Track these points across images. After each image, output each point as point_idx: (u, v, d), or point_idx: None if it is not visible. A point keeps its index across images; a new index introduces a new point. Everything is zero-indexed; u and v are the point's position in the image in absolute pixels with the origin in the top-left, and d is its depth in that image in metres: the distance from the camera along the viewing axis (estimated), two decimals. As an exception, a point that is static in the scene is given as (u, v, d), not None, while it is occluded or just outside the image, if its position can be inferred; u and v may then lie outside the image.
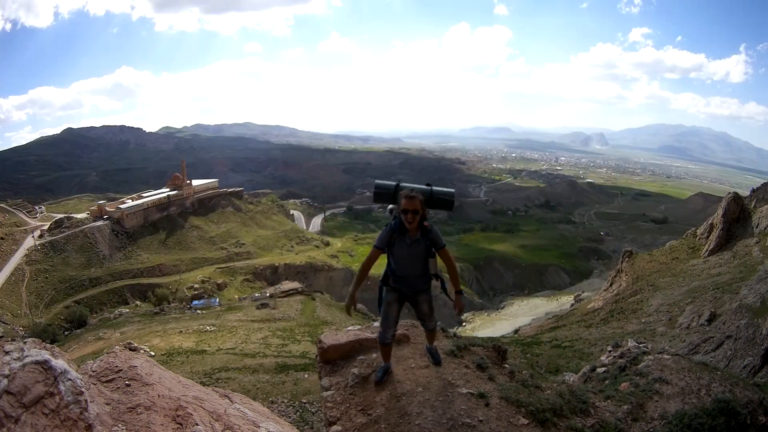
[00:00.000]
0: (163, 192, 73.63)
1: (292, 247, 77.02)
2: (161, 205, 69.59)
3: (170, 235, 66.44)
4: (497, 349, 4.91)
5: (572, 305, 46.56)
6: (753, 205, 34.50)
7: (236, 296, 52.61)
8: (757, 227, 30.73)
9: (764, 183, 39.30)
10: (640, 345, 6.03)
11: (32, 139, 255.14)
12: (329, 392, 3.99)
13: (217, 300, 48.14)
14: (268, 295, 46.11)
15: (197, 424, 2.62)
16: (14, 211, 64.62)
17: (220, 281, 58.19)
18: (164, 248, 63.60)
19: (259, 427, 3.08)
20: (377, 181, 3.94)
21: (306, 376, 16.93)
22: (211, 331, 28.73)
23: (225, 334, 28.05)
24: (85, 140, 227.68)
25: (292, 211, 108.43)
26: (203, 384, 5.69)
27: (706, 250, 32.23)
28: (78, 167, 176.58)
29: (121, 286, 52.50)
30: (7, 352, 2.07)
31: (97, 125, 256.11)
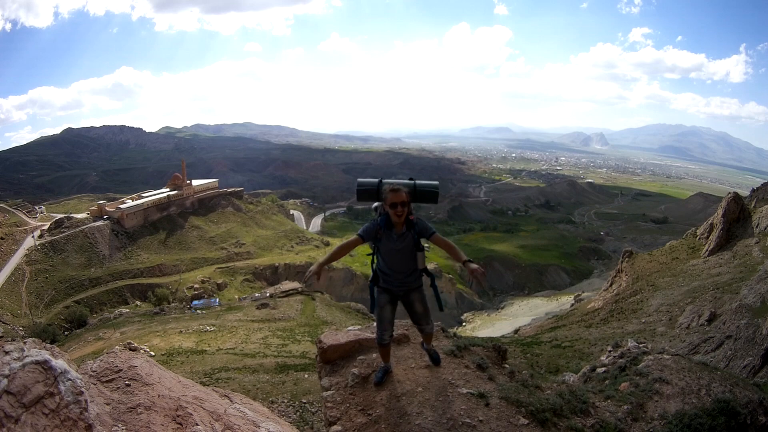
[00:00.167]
0: (163, 192, 73.64)
1: (292, 247, 77.00)
2: (161, 205, 69.59)
3: (170, 235, 66.44)
4: (497, 349, 4.91)
5: (572, 305, 46.56)
6: (753, 205, 34.51)
7: (236, 296, 52.60)
8: (757, 227, 30.74)
9: (764, 183, 39.32)
10: (640, 345, 6.03)
11: (32, 139, 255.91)
12: (329, 392, 3.99)
13: (217, 300, 48.13)
14: (268, 295, 46.11)
15: (197, 424, 2.62)
16: (14, 211, 64.61)
17: (220, 281, 58.17)
18: (164, 248, 63.60)
19: (259, 427, 3.08)
20: (359, 180, 3.92)
21: (306, 376, 16.94)
22: (211, 331, 28.74)
23: (225, 334, 28.05)
24: (85, 140, 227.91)
25: (292, 211, 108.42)
26: (203, 384, 5.68)
27: (706, 250, 32.24)
28: (78, 167, 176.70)
29: (121, 286, 52.51)
30: (7, 352, 2.07)
31: (97, 125, 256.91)
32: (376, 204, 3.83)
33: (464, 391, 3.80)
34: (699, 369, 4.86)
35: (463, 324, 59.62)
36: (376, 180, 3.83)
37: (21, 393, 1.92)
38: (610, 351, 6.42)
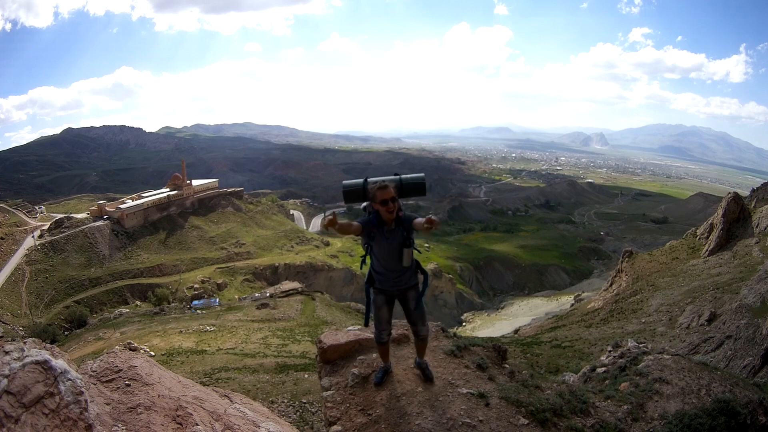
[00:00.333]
0: (163, 192, 73.62)
1: (292, 247, 76.98)
2: (161, 205, 69.57)
3: (170, 235, 66.42)
4: (497, 349, 4.91)
5: (572, 305, 46.56)
6: (753, 205, 34.51)
7: (236, 296, 52.59)
8: (757, 227, 30.74)
9: (764, 183, 39.31)
10: (640, 345, 6.04)
11: (32, 139, 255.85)
12: (329, 392, 3.99)
13: (217, 300, 48.12)
14: (268, 295, 46.12)
15: (197, 424, 2.62)
16: (14, 211, 64.60)
17: (220, 281, 58.16)
18: (164, 248, 63.58)
19: (259, 427, 3.08)
20: (344, 182, 3.86)
21: (306, 376, 16.93)
22: (211, 331, 28.72)
23: (225, 334, 28.03)
24: (85, 140, 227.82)
25: (292, 211, 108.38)
26: (203, 384, 5.69)
27: (706, 250, 32.24)
28: (78, 167, 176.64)
29: (121, 286, 52.49)
30: (7, 352, 2.07)
31: (97, 125, 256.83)
32: (364, 204, 3.79)
33: (464, 391, 3.80)
34: (699, 369, 4.86)
35: (463, 324, 59.63)
36: (361, 180, 3.78)
37: (21, 393, 1.92)
38: (610, 351, 6.42)
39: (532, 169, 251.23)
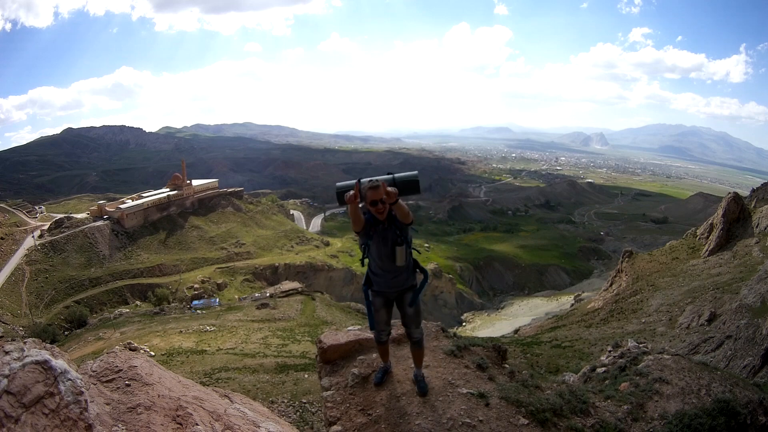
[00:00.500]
0: (163, 192, 73.62)
1: (292, 247, 76.99)
2: (161, 205, 69.57)
3: (170, 235, 66.43)
4: (497, 349, 4.91)
5: (572, 305, 46.57)
6: (753, 205, 34.50)
7: (236, 296, 52.60)
8: (757, 227, 30.74)
9: (764, 183, 39.30)
10: (640, 345, 6.04)
11: (32, 139, 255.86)
12: (329, 392, 3.99)
13: (217, 300, 48.13)
14: (268, 295, 46.12)
15: (197, 424, 2.62)
16: (14, 211, 64.61)
17: (220, 281, 58.17)
18: (164, 248, 63.59)
19: (259, 427, 3.08)
20: (338, 183, 3.83)
21: (306, 376, 16.93)
22: (211, 331, 28.72)
23: (225, 334, 28.03)
24: (85, 140, 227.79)
25: (292, 211, 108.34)
26: (203, 384, 5.69)
27: (706, 250, 32.23)
28: (78, 167, 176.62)
29: (121, 286, 52.49)
30: (7, 352, 2.07)
31: (97, 125, 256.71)
32: (361, 205, 3.79)
33: (464, 391, 3.80)
34: (699, 369, 4.86)
35: (463, 324, 59.64)
36: (354, 181, 3.71)
37: (21, 393, 1.92)
38: (610, 351, 6.43)
39: (532, 169, 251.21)
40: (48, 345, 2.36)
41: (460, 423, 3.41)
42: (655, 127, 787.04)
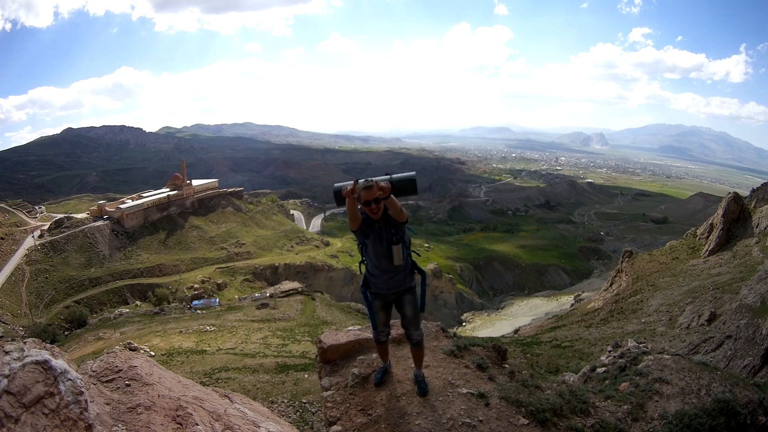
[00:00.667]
0: (163, 192, 73.60)
1: (292, 247, 76.98)
2: (161, 205, 69.56)
3: (170, 235, 66.42)
4: (497, 349, 4.91)
5: (572, 305, 46.57)
6: (753, 205, 34.49)
7: (236, 296, 52.59)
8: (757, 227, 30.74)
9: (764, 183, 39.27)
10: (640, 345, 6.04)
11: (32, 139, 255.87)
12: (329, 392, 3.99)
13: (217, 300, 48.11)
14: (268, 295, 46.10)
15: (197, 424, 2.62)
16: (14, 211, 64.59)
17: (220, 281, 58.17)
18: (164, 248, 63.58)
19: (259, 427, 3.08)
20: (335, 184, 3.82)
21: (306, 376, 16.92)
22: (211, 331, 28.71)
23: (225, 334, 28.02)
24: (85, 140, 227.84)
25: (292, 211, 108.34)
26: (203, 384, 5.69)
27: (706, 250, 32.23)
28: (78, 167, 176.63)
29: (121, 286, 52.48)
30: (7, 352, 2.07)
31: (97, 125, 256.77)
32: (359, 206, 3.80)
33: (464, 391, 3.80)
34: (699, 369, 4.86)
35: (463, 324, 59.63)
36: (351, 181, 3.70)
37: (21, 393, 1.92)
38: (610, 351, 6.42)
39: (532, 169, 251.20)
40: (48, 345, 2.36)
41: (460, 423, 3.41)
42: (655, 127, 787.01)
